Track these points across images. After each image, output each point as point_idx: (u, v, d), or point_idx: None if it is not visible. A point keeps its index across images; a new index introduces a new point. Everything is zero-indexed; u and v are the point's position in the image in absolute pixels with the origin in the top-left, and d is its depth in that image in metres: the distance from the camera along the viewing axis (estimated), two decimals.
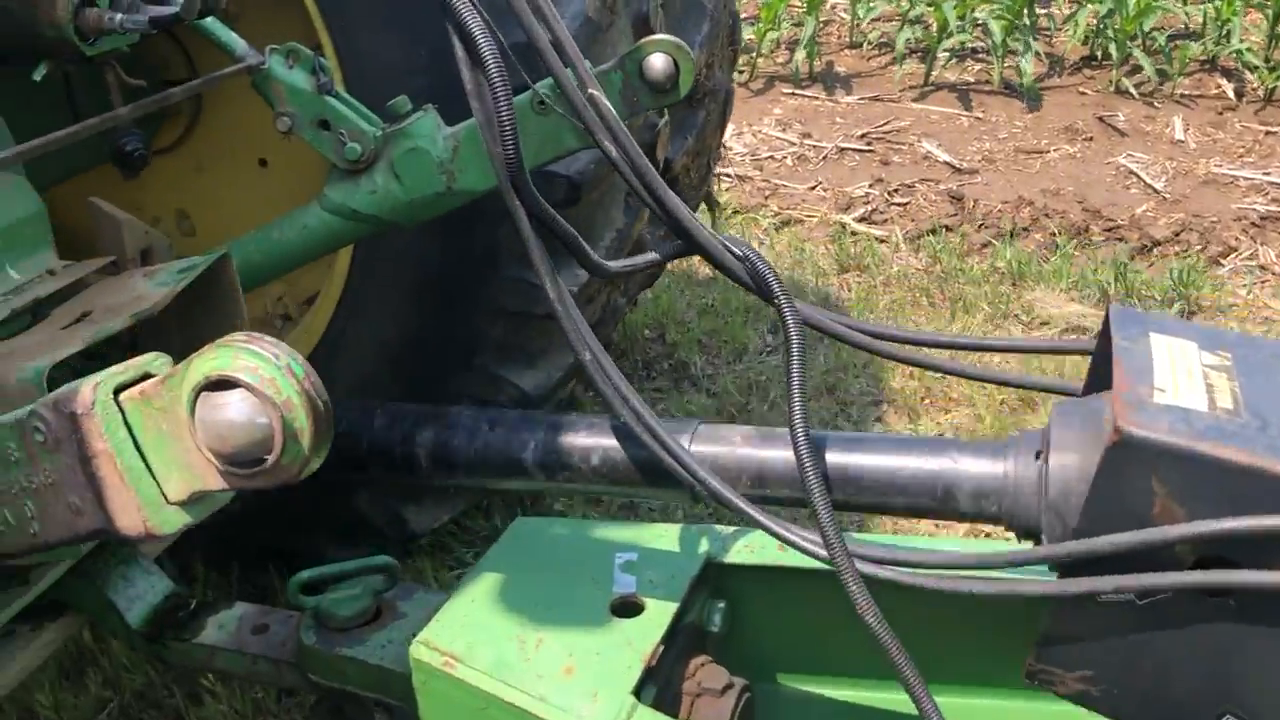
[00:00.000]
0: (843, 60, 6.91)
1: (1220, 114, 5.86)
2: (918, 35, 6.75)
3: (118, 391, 0.86)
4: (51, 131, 1.99)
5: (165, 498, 0.87)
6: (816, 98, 6.36)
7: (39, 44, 1.57)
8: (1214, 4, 6.51)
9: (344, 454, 1.37)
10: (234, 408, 0.80)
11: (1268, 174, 5.11)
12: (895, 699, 1.57)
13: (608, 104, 1.27)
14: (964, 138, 5.72)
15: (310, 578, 1.58)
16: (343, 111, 1.79)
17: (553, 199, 2.09)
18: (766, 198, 5.12)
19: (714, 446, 1.28)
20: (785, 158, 5.58)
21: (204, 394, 0.81)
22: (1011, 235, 4.56)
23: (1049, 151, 5.49)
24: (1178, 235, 4.56)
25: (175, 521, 0.87)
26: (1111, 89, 6.21)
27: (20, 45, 1.59)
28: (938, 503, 1.18)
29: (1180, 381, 1.05)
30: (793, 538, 1.17)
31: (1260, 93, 6.00)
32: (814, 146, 5.69)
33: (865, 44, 7.04)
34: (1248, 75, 6.20)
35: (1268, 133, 5.60)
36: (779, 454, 1.25)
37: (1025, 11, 6.61)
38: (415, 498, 2.43)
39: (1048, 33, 7.06)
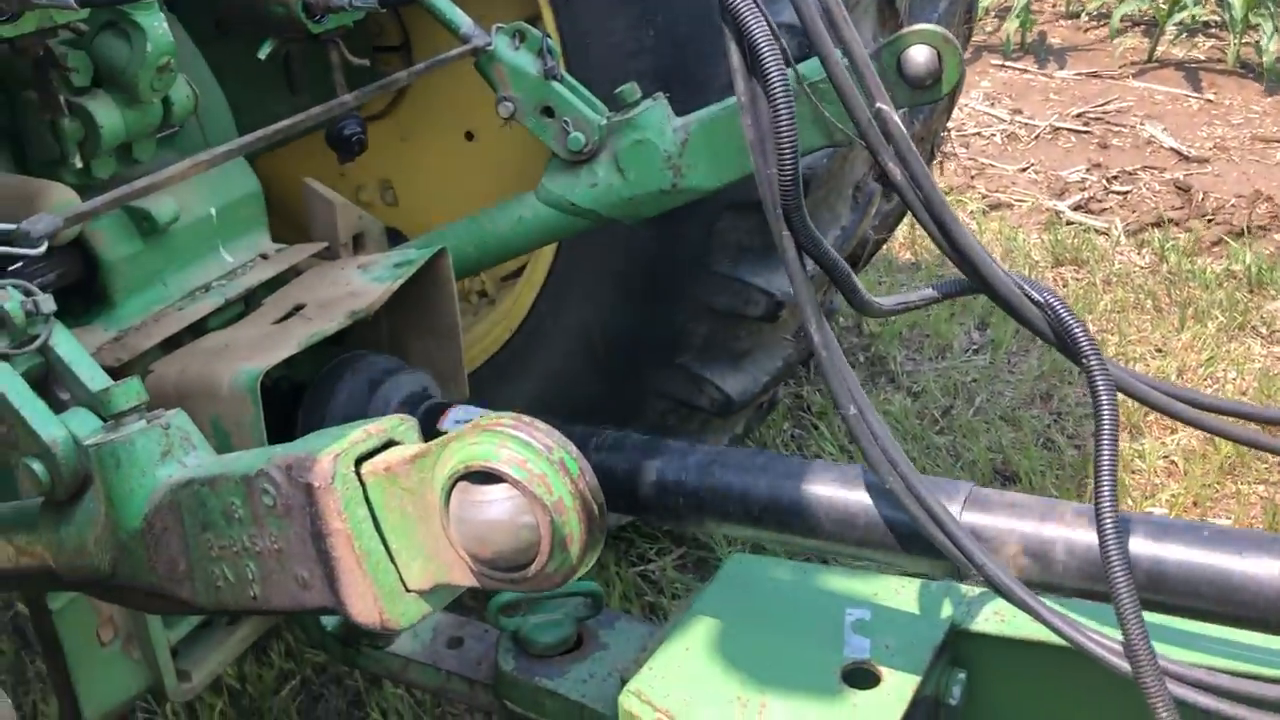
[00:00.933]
0: (1057, 31, 6.47)
1: None
2: (1143, 6, 6.26)
3: (359, 462, 0.76)
4: (268, 105, 1.94)
5: (405, 586, 0.77)
6: (1028, 71, 5.97)
7: (267, 21, 1.50)
8: None
9: None
10: (498, 507, 0.68)
11: None
12: None
13: (894, 113, 1.10)
14: (1192, 122, 5.26)
15: (511, 599, 1.49)
16: (569, 99, 1.67)
17: None
18: (973, 178, 4.82)
19: (991, 518, 1.11)
20: (994, 135, 5.25)
21: (462, 484, 0.70)
22: (1248, 234, 4.16)
23: None
24: None
25: (415, 613, 0.77)
26: None
27: (248, 20, 1.52)
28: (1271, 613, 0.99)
29: None
30: (1089, 644, 0.99)
31: None
32: (1025, 124, 5.33)
33: (1084, 14, 6.57)
34: None
35: None
36: (1070, 533, 1.08)
37: None
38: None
39: None
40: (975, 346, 3.45)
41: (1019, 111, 5.48)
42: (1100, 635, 1.01)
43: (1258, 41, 5.69)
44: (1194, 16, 6.10)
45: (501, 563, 0.71)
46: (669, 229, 1.99)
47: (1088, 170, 4.82)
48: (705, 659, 1.31)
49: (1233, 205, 4.41)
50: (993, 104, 5.59)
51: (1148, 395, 1.10)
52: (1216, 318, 3.53)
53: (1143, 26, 6.24)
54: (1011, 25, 6.17)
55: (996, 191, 4.68)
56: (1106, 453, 0.98)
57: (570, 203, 1.71)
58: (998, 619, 1.35)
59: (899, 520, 1.14)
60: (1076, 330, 1.03)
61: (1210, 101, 5.48)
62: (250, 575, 0.83)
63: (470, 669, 1.53)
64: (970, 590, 1.39)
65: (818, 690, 1.25)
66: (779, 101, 1.00)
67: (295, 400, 1.48)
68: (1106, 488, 0.97)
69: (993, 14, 6.63)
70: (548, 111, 1.67)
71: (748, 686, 1.26)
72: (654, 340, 2.18)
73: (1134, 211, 4.46)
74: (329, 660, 2.33)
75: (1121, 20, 6.21)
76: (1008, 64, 6.06)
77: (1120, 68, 5.91)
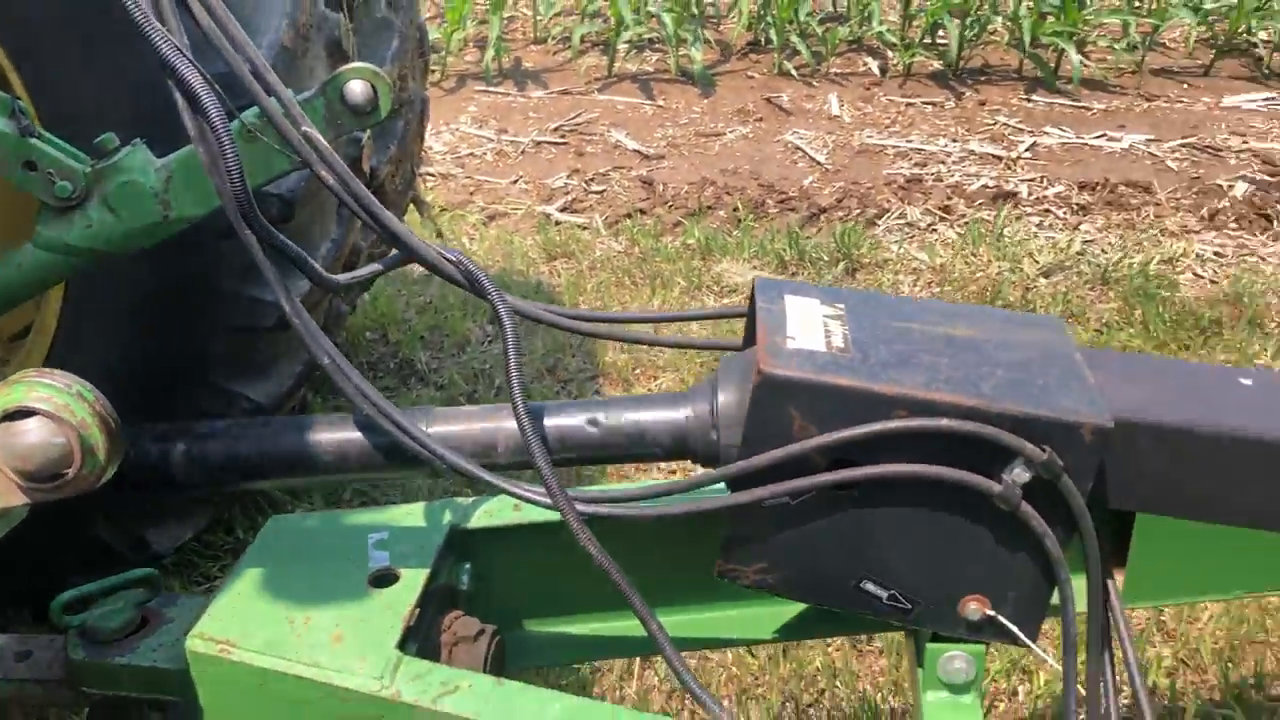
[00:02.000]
0: (530, 56, 7.18)
1: (868, 89, 6.55)
2: (598, 29, 7.11)
3: None
4: None
5: None
6: (509, 94, 6.60)
7: None
8: None
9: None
10: (34, 434, 0.92)
11: (910, 142, 5.80)
12: (627, 625, 1.82)
13: (316, 132, 1.43)
14: (648, 125, 6.11)
15: (71, 598, 1.65)
16: (48, 151, 1.83)
17: (270, 217, 2.21)
18: (472, 194, 5.31)
19: (449, 426, 1.47)
20: (485, 154, 5.78)
21: (3, 424, 0.93)
22: (699, 213, 4.98)
23: (725, 134, 5.97)
24: (840, 202, 5.12)
25: None
26: (775, 72, 6.80)
27: None
28: (641, 447, 1.43)
29: (805, 330, 1.34)
30: (521, 492, 1.38)
31: (900, 68, 6.74)
32: (511, 142, 5.92)
33: (549, 39, 7.34)
34: (889, 54, 6.96)
35: (908, 104, 6.33)
36: (504, 425, 1.46)
37: (693, 2, 7.11)
38: (155, 519, 2.48)
39: (715, 21, 7.61)
40: (489, 338, 3.89)
41: (505, 130, 6.07)
42: (531, 488, 1.41)
43: (690, 53, 6.70)
44: (638, 35, 7.04)
45: (45, 474, 0.95)
46: (176, 259, 2.19)
47: (569, 176, 5.48)
48: (256, 597, 1.56)
49: (686, 192, 5.23)
50: (481, 126, 6.13)
51: (541, 316, 1.52)
52: (679, 283, 4.23)
53: (600, 46, 7.09)
54: (489, 54, 6.78)
55: (494, 204, 5.20)
56: (513, 361, 1.37)
57: (66, 244, 1.87)
58: (487, 515, 1.72)
59: (381, 442, 1.47)
60: (480, 276, 1.42)
61: (661, 107, 6.38)
62: None
63: (42, 672, 1.66)
64: (465, 500, 1.76)
65: (350, 596, 1.55)
66: (220, 131, 1.29)
67: None
68: (516, 384, 1.36)
69: (471, 44, 7.21)
70: (30, 166, 1.82)
71: (294, 608, 1.53)
72: (181, 365, 2.36)
73: (610, 207, 5.15)
74: None
75: (582, 41, 7.03)
76: (490, 89, 6.65)
77: (586, 84, 6.69)
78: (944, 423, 1.23)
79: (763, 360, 1.27)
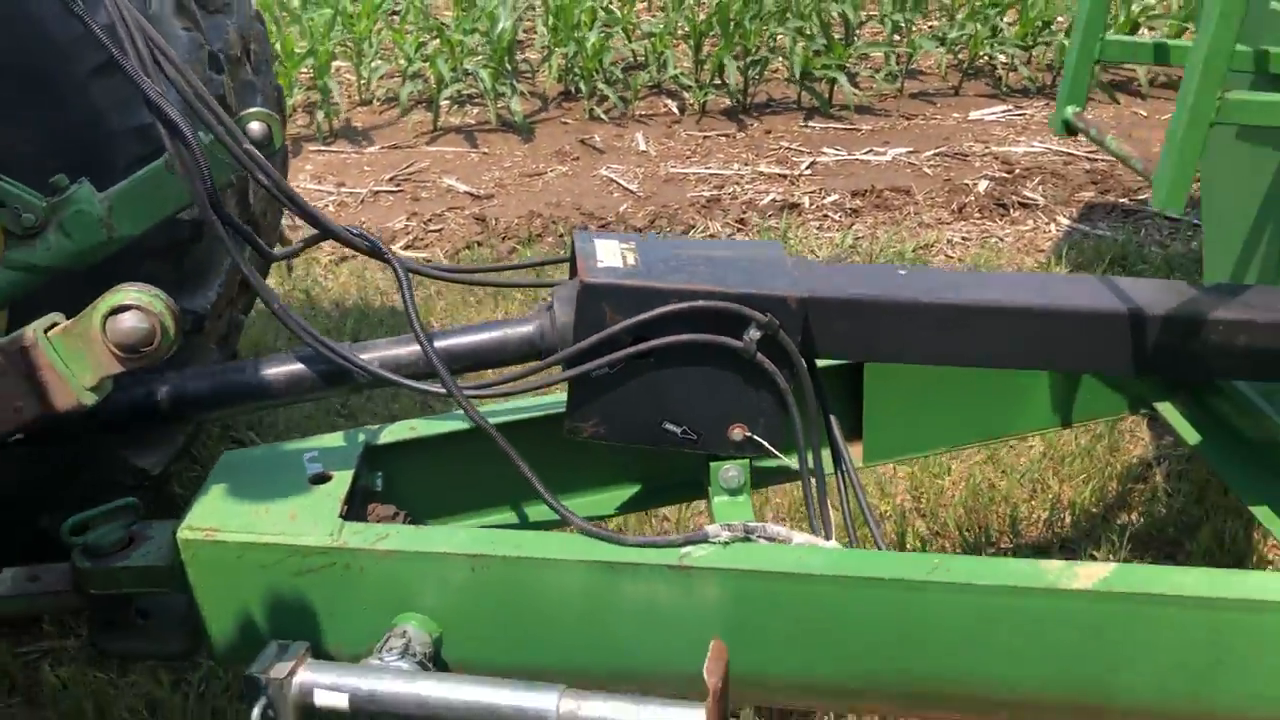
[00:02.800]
0: (358, 116, 7.72)
1: (669, 127, 7.35)
2: (419, 88, 7.72)
3: (45, 331, 1.47)
4: None
5: (85, 385, 1.48)
6: (343, 151, 7.12)
7: None
8: (651, 40, 8.06)
9: (104, 417, 1.98)
10: (129, 321, 1.45)
11: (708, 168, 6.60)
12: (502, 517, 2.41)
13: (258, 153, 1.99)
14: (476, 170, 6.74)
15: (74, 522, 2.13)
16: (13, 190, 2.33)
17: (182, 238, 2.74)
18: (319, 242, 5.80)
19: (370, 353, 2.02)
20: (327, 206, 6.29)
21: (111, 317, 1.45)
22: (529, 240, 5.61)
23: (546, 173, 6.65)
24: (652, 223, 5.85)
25: (95, 397, 1.50)
26: (587, 117, 7.53)
27: None
28: (506, 352, 2.02)
29: (609, 258, 1.97)
30: (422, 386, 1.96)
31: (696, 107, 7.57)
32: (350, 193, 6.45)
33: (375, 100, 7.90)
34: (685, 95, 7.78)
35: (705, 137, 7.15)
36: (410, 348, 2.03)
37: (506, 59, 7.79)
38: (141, 448, 2.87)
39: (529, 75, 8.31)
40: None
41: (343, 184, 6.59)
42: (431, 384, 1.98)
43: (509, 104, 7.37)
44: (459, 91, 7.66)
45: (136, 349, 1.47)
46: (102, 280, 2.68)
47: (408, 219, 6.04)
48: (226, 499, 2.06)
49: (516, 224, 5.86)
50: (320, 182, 6.64)
51: (428, 271, 2.10)
52: (517, 297, 4.85)
53: (424, 103, 7.69)
54: (320, 116, 7.29)
55: (341, 249, 5.71)
56: (410, 303, 1.95)
57: (31, 264, 2.36)
58: (390, 434, 2.29)
59: (322, 369, 2.01)
60: (381, 246, 2.00)
61: (486, 154, 7.02)
62: None
63: (53, 586, 2.14)
64: (374, 426, 2.32)
65: (297, 491, 2.08)
66: (195, 150, 1.84)
67: None
68: (415, 318, 1.94)
69: (301, 110, 7.71)
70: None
71: (256, 502, 2.05)
72: None
73: (449, 242, 5.74)
74: None
75: (408, 99, 7.62)
76: (325, 149, 7.16)
77: (415, 138, 7.28)
78: (701, 303, 1.89)
79: (583, 275, 1.90)
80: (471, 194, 6.35)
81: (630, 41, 8.31)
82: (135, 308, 1.48)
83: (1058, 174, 6.11)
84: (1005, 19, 8.25)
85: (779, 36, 7.88)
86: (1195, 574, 1.81)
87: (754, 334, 1.90)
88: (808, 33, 7.76)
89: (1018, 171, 6.23)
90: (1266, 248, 2.56)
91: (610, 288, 1.90)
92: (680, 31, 8.24)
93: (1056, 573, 1.77)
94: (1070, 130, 2.20)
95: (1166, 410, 2.57)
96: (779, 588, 1.82)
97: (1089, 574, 1.76)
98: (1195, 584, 1.76)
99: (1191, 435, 2.49)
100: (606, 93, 7.54)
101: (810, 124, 7.27)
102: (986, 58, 8.10)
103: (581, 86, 7.68)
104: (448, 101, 7.58)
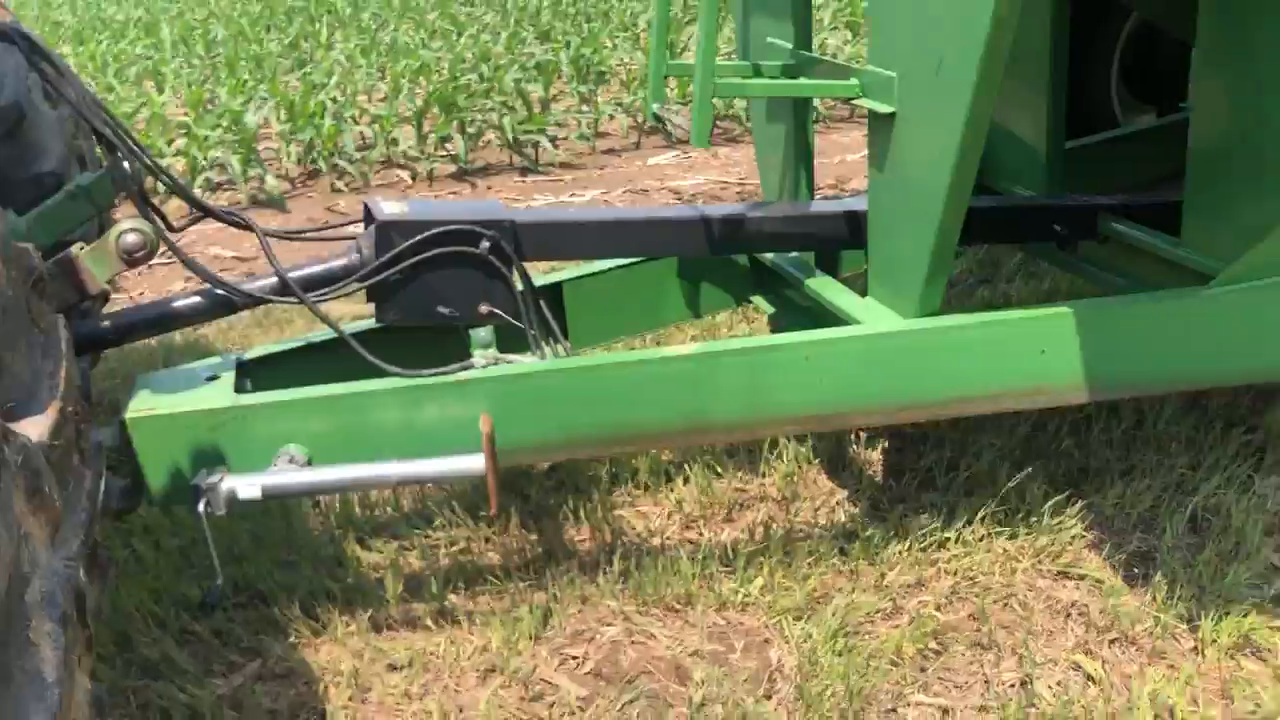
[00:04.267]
0: None
1: (404, 191, 8.62)
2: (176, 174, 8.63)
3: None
4: None
5: (103, 280, 2.59)
6: None
7: None
8: (380, 121, 9.34)
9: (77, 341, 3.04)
10: (132, 236, 2.56)
11: None
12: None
13: (157, 162, 3.13)
14: (240, 240, 7.75)
15: None
16: None
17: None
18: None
19: (250, 285, 3.19)
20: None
21: (119, 237, 2.56)
22: None
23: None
24: None
25: (107, 288, 2.60)
26: (331, 190, 8.68)
27: None
28: (332, 279, 3.23)
29: (391, 208, 3.24)
30: (283, 299, 3.15)
31: (426, 175, 8.88)
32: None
33: None
34: (416, 165, 9.09)
35: (436, 197, 8.46)
36: (273, 279, 3.20)
37: (251, 147, 8.87)
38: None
39: (275, 160, 9.39)
40: None
41: None
42: (285, 299, 3.16)
43: (264, 182, 8.42)
44: (208, 179, 8.65)
45: (133, 254, 2.59)
46: None
47: (185, 282, 6.99)
48: (153, 391, 3.15)
49: None
50: None
51: (276, 233, 3.30)
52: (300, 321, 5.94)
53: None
54: None
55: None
56: (271, 252, 3.14)
57: None
58: (254, 351, 3.44)
59: (214, 297, 3.15)
60: (247, 220, 3.19)
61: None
62: None
63: None
64: (242, 349, 3.46)
65: (198, 385, 3.19)
66: (128, 163, 2.97)
67: None
68: (274, 259, 3.13)
69: None
70: None
71: (174, 394, 3.15)
72: None
73: None
74: None
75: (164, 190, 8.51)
76: None
77: (178, 220, 8.18)
78: (453, 227, 3.18)
79: (379, 216, 3.16)
80: (238, 257, 7.36)
81: (356, 123, 9.56)
82: (134, 230, 2.61)
83: (715, 197, 7.80)
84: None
85: (490, 111, 9.35)
86: (727, 343, 3.23)
87: (485, 245, 3.21)
88: (511, 105, 9.26)
89: (685, 197, 7.88)
90: (783, 168, 4.06)
91: (394, 222, 3.17)
92: (405, 112, 9.57)
93: (666, 349, 3.16)
94: (658, 119, 3.66)
95: (758, 300, 4.06)
96: (518, 384, 3.10)
97: (682, 349, 3.16)
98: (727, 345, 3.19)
99: (769, 310, 3.98)
100: (347, 168, 8.73)
101: (524, 179, 8.73)
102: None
103: (323, 165, 8.84)
104: (200, 189, 8.55)
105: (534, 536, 3.60)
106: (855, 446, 3.96)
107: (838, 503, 3.68)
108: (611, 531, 3.59)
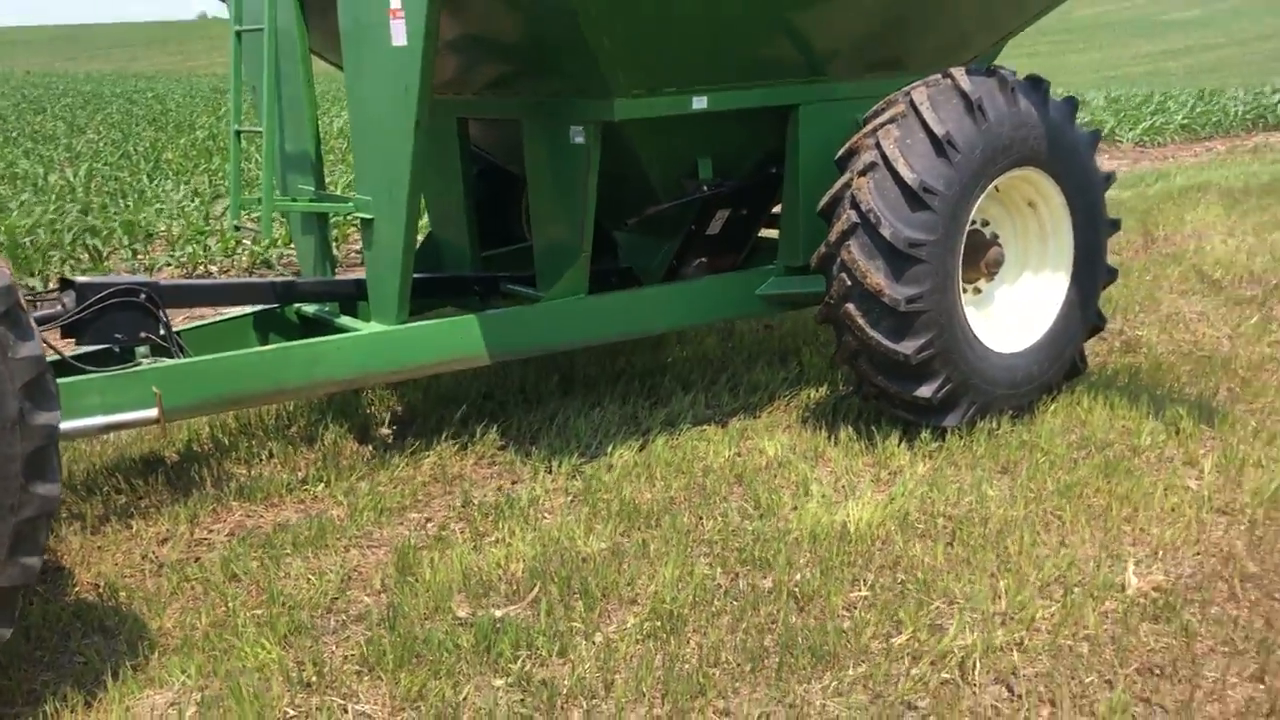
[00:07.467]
0: None
1: None
2: None
3: None
4: None
5: None
6: None
7: None
8: None
9: None
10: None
11: None
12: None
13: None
14: None
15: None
16: None
17: None
18: None
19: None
20: None
21: None
22: None
23: None
24: None
25: None
26: None
27: None
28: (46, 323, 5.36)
29: (82, 280, 5.48)
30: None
31: None
32: None
33: None
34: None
35: None
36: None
37: None
38: None
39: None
40: None
41: None
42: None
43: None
44: None
45: None
46: None
47: None
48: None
49: None
50: None
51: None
52: None
53: None
54: None
55: None
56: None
57: None
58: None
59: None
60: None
61: None
62: None
63: None
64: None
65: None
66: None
67: None
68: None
69: None
70: None
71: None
72: None
73: None
74: None
75: None
76: None
77: None
78: (122, 285, 5.51)
79: (77, 281, 5.44)
80: None
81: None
82: None
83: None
84: None
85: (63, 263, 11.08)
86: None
87: (143, 296, 5.56)
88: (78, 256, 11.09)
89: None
90: (314, 255, 6.79)
91: (88, 284, 5.45)
92: None
93: (262, 349, 5.71)
94: (237, 228, 6.21)
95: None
96: (174, 370, 5.45)
97: (270, 348, 5.71)
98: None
99: None
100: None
101: None
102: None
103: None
104: None
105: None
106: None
107: None
108: None
